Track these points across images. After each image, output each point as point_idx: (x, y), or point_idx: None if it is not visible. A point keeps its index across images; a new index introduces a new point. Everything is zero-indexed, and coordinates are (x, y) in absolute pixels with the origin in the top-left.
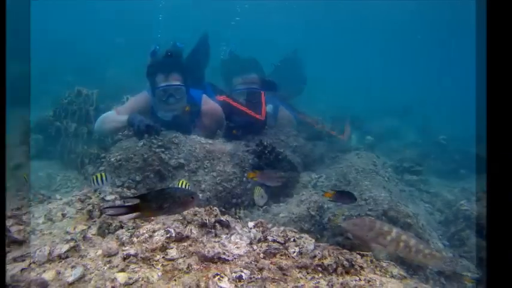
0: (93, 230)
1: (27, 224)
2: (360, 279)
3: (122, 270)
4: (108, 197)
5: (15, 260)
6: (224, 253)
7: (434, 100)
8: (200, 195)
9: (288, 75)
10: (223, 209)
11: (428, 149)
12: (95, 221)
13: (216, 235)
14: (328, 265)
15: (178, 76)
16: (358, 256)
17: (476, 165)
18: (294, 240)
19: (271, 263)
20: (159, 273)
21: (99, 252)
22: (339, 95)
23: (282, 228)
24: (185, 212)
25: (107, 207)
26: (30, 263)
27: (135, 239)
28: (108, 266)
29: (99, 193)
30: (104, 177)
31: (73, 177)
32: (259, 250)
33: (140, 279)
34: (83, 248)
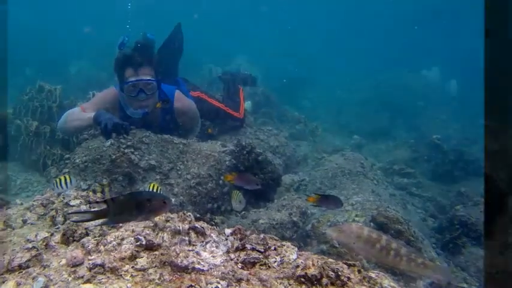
0: (57, 237)
1: None
2: None
3: (88, 281)
4: (73, 202)
5: None
6: (199, 263)
7: (428, 96)
8: (173, 199)
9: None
10: (198, 215)
11: (421, 149)
12: (58, 228)
13: (190, 243)
14: (312, 276)
15: (149, 70)
16: (345, 266)
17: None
18: (275, 249)
19: (250, 273)
20: (129, 285)
21: (63, 261)
22: (328, 91)
23: (261, 235)
24: (156, 218)
25: (71, 213)
26: None
27: (102, 248)
28: (72, 276)
29: (63, 197)
30: (68, 180)
31: (34, 180)
32: (237, 259)
33: None
34: (45, 257)
